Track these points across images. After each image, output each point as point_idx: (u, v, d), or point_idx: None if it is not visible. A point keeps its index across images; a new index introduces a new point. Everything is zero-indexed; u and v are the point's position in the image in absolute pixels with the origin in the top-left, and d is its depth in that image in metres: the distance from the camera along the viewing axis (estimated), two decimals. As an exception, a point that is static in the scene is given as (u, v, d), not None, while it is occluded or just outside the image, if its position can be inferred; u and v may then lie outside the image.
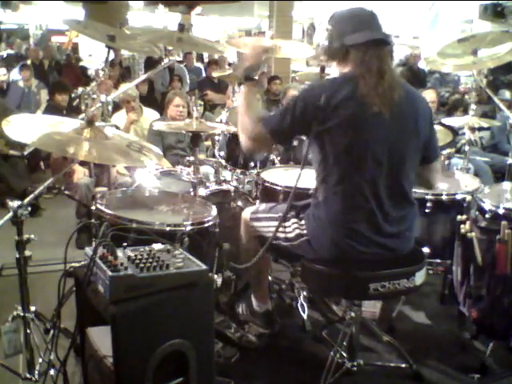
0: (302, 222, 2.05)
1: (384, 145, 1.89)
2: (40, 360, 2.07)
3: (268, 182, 2.77)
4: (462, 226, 2.40)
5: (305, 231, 2.04)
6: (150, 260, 1.58)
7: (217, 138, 3.23)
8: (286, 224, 2.11)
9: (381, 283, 1.93)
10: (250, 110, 2.04)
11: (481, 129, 4.21)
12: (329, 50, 1.97)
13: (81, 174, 3.82)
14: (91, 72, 2.58)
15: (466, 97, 4.59)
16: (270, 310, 2.56)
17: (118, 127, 2.44)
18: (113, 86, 5.28)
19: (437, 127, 2.77)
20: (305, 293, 2.85)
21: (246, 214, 2.36)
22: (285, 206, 2.16)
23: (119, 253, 1.61)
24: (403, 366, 2.35)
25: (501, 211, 2.27)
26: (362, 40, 1.89)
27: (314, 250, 2.01)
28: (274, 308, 2.70)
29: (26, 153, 4.15)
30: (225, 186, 3.04)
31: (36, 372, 2.03)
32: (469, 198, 2.64)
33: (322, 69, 4.10)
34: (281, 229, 2.12)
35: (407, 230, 2.01)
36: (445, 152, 3.18)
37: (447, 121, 3.72)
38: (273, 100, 5.97)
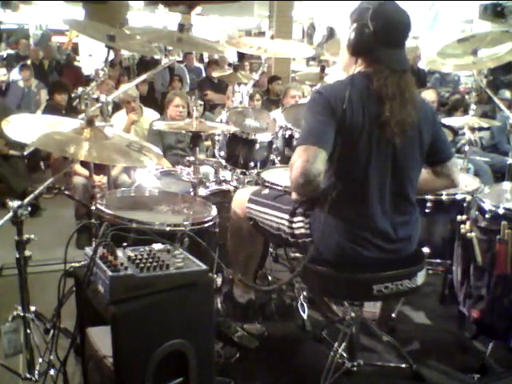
0: (308, 220, 2.02)
1: (391, 150, 1.89)
2: (40, 360, 2.07)
3: (268, 182, 2.77)
4: (462, 226, 2.40)
5: (309, 231, 2.02)
6: (150, 260, 1.58)
7: (217, 138, 3.22)
8: (294, 219, 2.07)
9: (384, 284, 1.93)
10: None
11: (481, 129, 4.21)
12: (357, 46, 1.88)
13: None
14: (90, 72, 2.58)
15: (466, 97, 4.59)
16: (253, 299, 2.48)
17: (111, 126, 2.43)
18: (114, 87, 5.29)
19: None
20: (305, 293, 2.85)
21: (244, 194, 2.32)
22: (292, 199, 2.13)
23: (119, 253, 1.60)
24: (403, 366, 2.35)
25: (501, 211, 2.26)
26: (395, 66, 1.87)
27: (319, 251, 1.98)
28: (271, 302, 2.67)
29: (26, 153, 4.15)
30: (225, 186, 3.03)
31: (36, 372, 2.03)
32: (469, 197, 2.64)
33: (322, 69, 4.11)
34: (287, 223, 2.09)
35: (411, 234, 2.02)
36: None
37: (447, 121, 3.72)
38: (273, 100, 5.97)
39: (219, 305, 2.60)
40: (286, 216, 2.10)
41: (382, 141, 1.86)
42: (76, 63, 10.16)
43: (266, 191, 2.31)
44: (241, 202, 2.32)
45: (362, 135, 1.84)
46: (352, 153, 1.86)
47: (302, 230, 2.05)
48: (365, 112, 1.83)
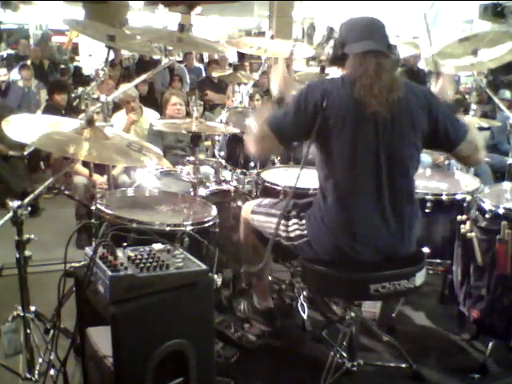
0: (303, 221, 2.05)
1: (383, 145, 1.89)
2: (40, 360, 2.07)
3: (268, 182, 2.78)
4: (461, 225, 2.40)
5: (305, 232, 2.04)
6: (150, 260, 1.58)
7: (217, 137, 3.23)
8: (289, 223, 2.11)
9: (381, 284, 1.92)
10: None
11: (481, 129, 4.20)
12: (331, 57, 2.03)
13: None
14: (90, 72, 2.58)
15: (466, 97, 4.58)
16: (271, 306, 2.57)
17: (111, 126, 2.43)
18: (114, 87, 5.29)
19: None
20: (305, 293, 2.85)
21: (248, 206, 2.37)
22: (285, 204, 2.16)
23: (119, 253, 1.60)
24: (403, 365, 2.35)
25: (501, 211, 2.26)
26: (360, 50, 1.93)
27: (315, 251, 2.01)
28: (275, 306, 2.69)
29: (25, 153, 4.15)
30: (225, 186, 3.04)
31: (36, 372, 2.03)
32: (469, 197, 2.64)
33: (322, 69, 4.09)
34: (282, 227, 2.12)
35: (409, 232, 2.00)
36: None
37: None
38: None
39: (241, 306, 2.69)
40: (282, 221, 2.13)
41: (370, 132, 1.88)
42: (76, 63, 10.17)
43: (266, 201, 2.36)
44: (246, 213, 2.38)
45: (347, 123, 1.87)
46: (342, 149, 1.89)
47: (298, 232, 2.07)
48: (346, 100, 1.87)
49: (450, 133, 2.01)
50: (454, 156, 2.13)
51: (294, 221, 2.09)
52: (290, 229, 2.10)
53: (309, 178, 2.39)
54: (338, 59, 2.01)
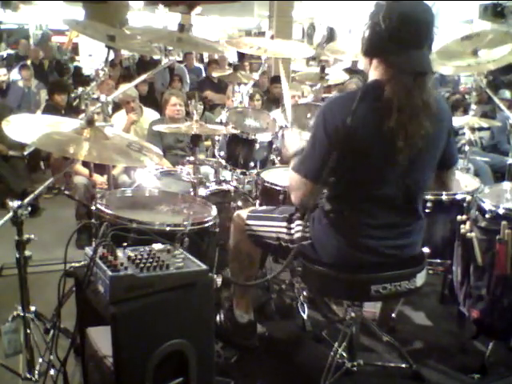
0: (307, 223, 2.02)
1: (401, 176, 1.81)
2: (40, 360, 2.07)
3: (268, 182, 2.78)
4: (462, 225, 2.39)
5: (308, 234, 2.02)
6: (150, 260, 1.58)
7: (217, 138, 3.22)
8: (291, 225, 2.09)
9: (382, 285, 1.92)
10: None
11: (481, 129, 4.21)
12: (370, 46, 1.76)
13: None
14: (90, 72, 2.57)
15: (466, 97, 4.59)
16: (252, 320, 2.47)
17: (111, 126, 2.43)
18: (114, 87, 5.29)
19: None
20: (305, 293, 2.85)
21: (242, 213, 2.33)
22: (288, 207, 2.16)
23: (119, 253, 1.60)
24: (403, 365, 2.35)
25: (501, 211, 2.26)
26: (411, 69, 1.70)
27: (317, 253, 1.98)
28: (271, 302, 2.66)
29: (25, 153, 4.15)
30: (225, 186, 3.04)
31: (36, 372, 2.03)
32: (469, 198, 2.63)
33: (322, 69, 4.11)
34: (285, 230, 2.11)
35: (413, 243, 1.99)
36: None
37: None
38: (273, 100, 5.97)
39: (219, 317, 2.54)
40: (284, 223, 2.12)
41: (393, 154, 1.74)
42: (76, 63, 10.16)
43: (264, 207, 2.34)
44: (239, 222, 2.31)
45: (372, 149, 1.76)
46: (361, 167, 1.80)
47: (300, 234, 2.04)
48: (375, 125, 1.72)
49: (451, 154, 1.97)
50: (436, 177, 2.00)
51: (298, 222, 2.07)
52: (292, 231, 2.08)
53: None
54: (376, 53, 1.74)
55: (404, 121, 1.70)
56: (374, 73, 1.80)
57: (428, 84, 1.73)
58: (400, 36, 1.67)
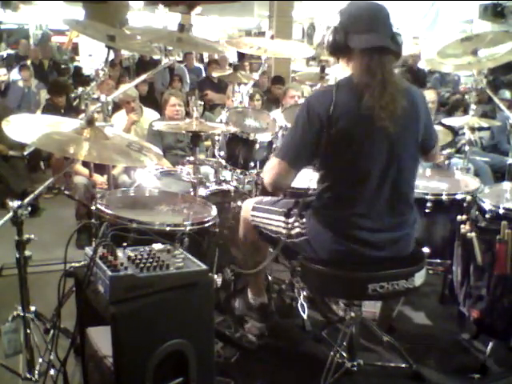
0: (304, 220, 2.05)
1: (388, 156, 1.89)
2: (40, 360, 2.07)
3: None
4: (461, 225, 2.40)
5: (305, 230, 2.04)
6: (150, 260, 1.58)
7: (217, 138, 3.22)
8: (289, 220, 2.11)
9: (380, 284, 1.93)
10: None
11: (481, 129, 4.21)
12: (332, 46, 1.92)
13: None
14: (90, 72, 2.57)
15: (466, 97, 4.58)
16: (265, 302, 2.58)
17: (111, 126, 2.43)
18: (114, 87, 5.29)
19: (437, 127, 2.78)
20: (305, 293, 2.85)
21: (249, 204, 2.37)
22: (289, 201, 2.17)
23: (119, 253, 1.60)
24: (403, 365, 2.35)
25: (501, 211, 2.27)
26: (365, 45, 1.86)
27: (314, 250, 2.01)
28: (271, 302, 2.69)
29: (25, 153, 4.15)
30: (225, 186, 3.04)
31: (36, 372, 2.03)
32: (469, 197, 2.64)
33: (322, 69, 4.10)
34: (283, 225, 2.13)
35: (407, 234, 2.02)
36: (445, 152, 3.17)
37: (447, 121, 3.71)
38: (273, 99, 5.97)
39: (236, 303, 2.70)
40: (282, 218, 2.15)
41: (377, 138, 1.86)
42: (76, 63, 10.15)
43: (268, 198, 2.35)
44: (246, 211, 2.37)
45: (356, 136, 1.85)
46: (347, 155, 1.88)
47: (298, 230, 2.08)
48: (355, 111, 1.83)
49: (431, 138, 2.09)
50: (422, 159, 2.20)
51: (295, 218, 2.09)
52: (290, 226, 2.11)
53: (308, 178, 2.39)
54: (339, 50, 1.92)
55: (375, 94, 1.82)
56: (346, 70, 1.95)
57: (388, 63, 1.88)
58: (354, 25, 1.87)
